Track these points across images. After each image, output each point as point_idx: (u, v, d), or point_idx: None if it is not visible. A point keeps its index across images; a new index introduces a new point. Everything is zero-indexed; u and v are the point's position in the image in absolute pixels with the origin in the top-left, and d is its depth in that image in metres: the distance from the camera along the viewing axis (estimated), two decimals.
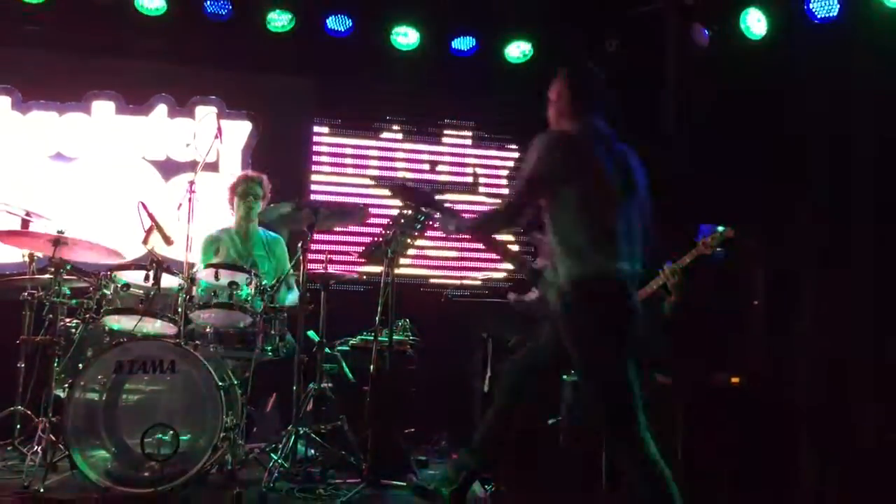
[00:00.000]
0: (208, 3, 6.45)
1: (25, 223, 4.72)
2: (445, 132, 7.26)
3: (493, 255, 7.16)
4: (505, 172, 7.33)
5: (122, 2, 6.32)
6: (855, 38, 5.36)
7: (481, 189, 7.26)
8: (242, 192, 5.28)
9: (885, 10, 5.34)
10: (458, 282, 6.85)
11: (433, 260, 7.05)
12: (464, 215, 3.80)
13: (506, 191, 7.29)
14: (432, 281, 6.99)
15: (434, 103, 7.14)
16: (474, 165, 7.26)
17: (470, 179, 7.22)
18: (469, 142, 7.30)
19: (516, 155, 7.33)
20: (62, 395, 4.15)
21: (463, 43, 6.98)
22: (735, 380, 5.78)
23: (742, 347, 5.64)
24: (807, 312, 5.64)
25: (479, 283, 7.02)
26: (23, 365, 4.62)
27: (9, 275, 5.06)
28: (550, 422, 5.28)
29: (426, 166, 7.14)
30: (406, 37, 6.84)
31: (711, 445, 5.80)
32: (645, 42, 6.92)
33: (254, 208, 5.26)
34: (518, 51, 7.05)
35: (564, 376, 4.82)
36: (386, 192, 6.99)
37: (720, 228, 4.45)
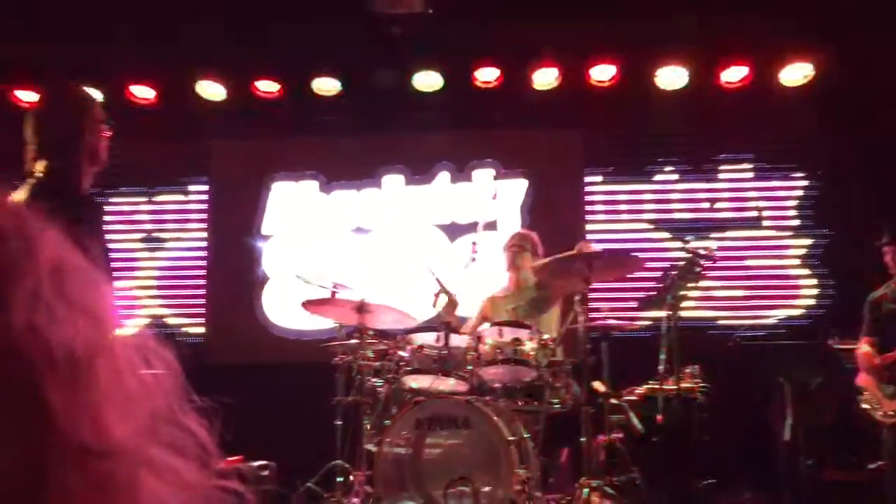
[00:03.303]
0: (478, 72, 6.85)
1: (333, 294, 5.25)
2: (721, 167, 6.99)
3: (789, 292, 6.71)
4: (792, 203, 6.87)
5: (403, 83, 6.92)
6: None
7: (766, 223, 6.84)
8: (506, 245, 5.46)
9: None
10: (749, 322, 6.48)
11: (720, 301, 6.76)
12: None
13: (794, 222, 6.84)
14: (720, 322, 6.70)
15: (707, 140, 6.94)
16: (756, 199, 6.87)
17: (753, 214, 6.83)
18: (749, 175, 6.96)
19: (804, 183, 6.86)
20: (373, 449, 4.55)
21: (733, 74, 6.72)
22: None
23: None
24: None
25: (774, 321, 6.60)
26: (340, 422, 5.12)
27: (325, 340, 5.67)
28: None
29: (705, 205, 6.90)
30: (673, 76, 6.74)
31: None
32: None
33: (517, 260, 5.39)
34: (798, 73, 6.63)
35: None
36: (663, 234, 6.85)
37: None
